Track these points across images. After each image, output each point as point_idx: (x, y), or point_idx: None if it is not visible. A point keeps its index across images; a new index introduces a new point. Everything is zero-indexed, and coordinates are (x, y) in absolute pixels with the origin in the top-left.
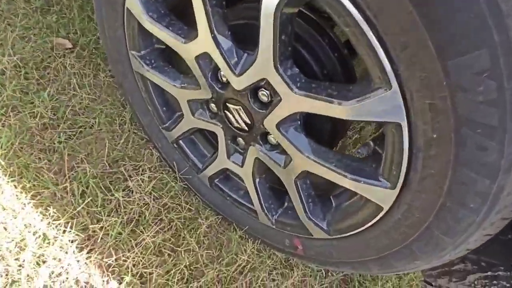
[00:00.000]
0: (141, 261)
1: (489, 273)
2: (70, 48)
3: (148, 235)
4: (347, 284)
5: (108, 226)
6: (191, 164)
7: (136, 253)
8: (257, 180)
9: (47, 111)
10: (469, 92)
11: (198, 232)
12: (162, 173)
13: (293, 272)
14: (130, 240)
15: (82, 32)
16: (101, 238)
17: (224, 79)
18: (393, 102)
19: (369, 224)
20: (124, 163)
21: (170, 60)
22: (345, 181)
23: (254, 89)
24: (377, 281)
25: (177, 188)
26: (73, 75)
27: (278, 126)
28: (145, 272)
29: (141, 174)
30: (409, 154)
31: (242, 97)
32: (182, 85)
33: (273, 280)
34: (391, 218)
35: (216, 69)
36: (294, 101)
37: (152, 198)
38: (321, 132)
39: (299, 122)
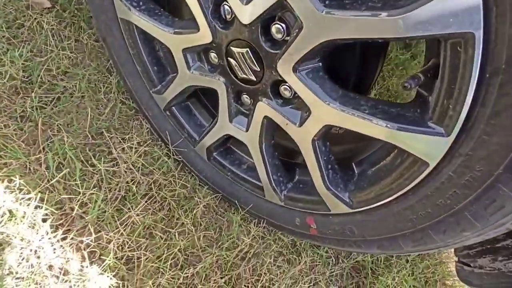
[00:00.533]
0: (128, 243)
1: None
2: (48, 8)
3: (136, 214)
4: (359, 272)
5: (88, 201)
6: (186, 136)
7: (122, 234)
8: (265, 147)
9: (18, 72)
10: None
11: (194, 213)
12: (153, 147)
13: (301, 258)
14: (115, 219)
15: None
16: (80, 216)
17: (228, 16)
18: (469, 2)
19: (406, 189)
20: (109, 134)
21: (162, 2)
22: (381, 131)
23: (266, 22)
24: (392, 268)
25: (170, 164)
26: (51, 36)
27: (295, 68)
28: (131, 256)
29: (129, 148)
30: (479, 80)
31: (250, 35)
32: (176, 30)
33: (279, 267)
34: (439, 177)
35: (220, 2)
36: (321, 27)
37: (142, 173)
38: (348, 76)
39: (320, 64)
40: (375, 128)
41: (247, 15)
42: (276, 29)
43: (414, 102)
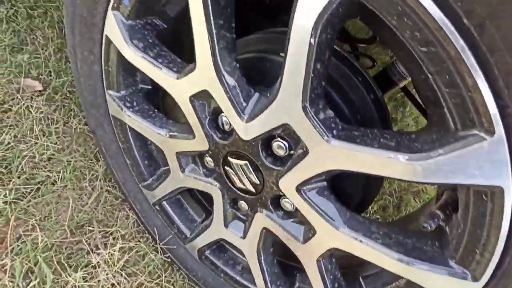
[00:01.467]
0: None
1: None
2: (40, 91)
3: None
4: None
5: None
6: (176, 232)
7: None
8: (263, 257)
9: None
10: None
11: None
12: (139, 241)
13: None
14: None
15: (56, 73)
16: None
17: (227, 127)
18: (495, 155)
19: None
20: (91, 228)
21: (157, 104)
22: (394, 265)
23: (267, 139)
24: None
25: (157, 262)
26: (38, 120)
27: (299, 188)
28: None
29: (112, 245)
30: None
31: (250, 150)
32: (171, 133)
33: None
34: None
35: (217, 113)
36: (327, 155)
37: (124, 276)
38: (351, 195)
39: (325, 183)
40: (388, 260)
41: (247, 132)
42: (278, 146)
43: (432, 233)
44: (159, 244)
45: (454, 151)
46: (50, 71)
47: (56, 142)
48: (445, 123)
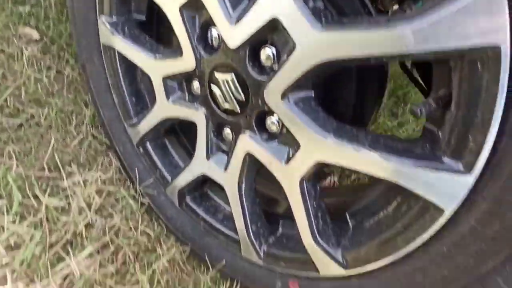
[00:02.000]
0: None
1: None
2: (36, 40)
3: (80, 264)
4: None
5: (22, 246)
6: (158, 176)
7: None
8: (245, 189)
9: None
10: None
11: (153, 268)
12: (118, 187)
13: None
14: (53, 267)
15: (55, 26)
16: (5, 265)
17: (215, 42)
18: (493, 7)
19: (415, 244)
20: (71, 170)
21: (149, 31)
22: (382, 169)
23: (254, 46)
24: None
25: (135, 208)
26: (30, 64)
27: (284, 95)
28: None
29: (91, 184)
30: (508, 102)
31: (236, 58)
32: (159, 55)
33: None
34: (458, 228)
35: (206, 26)
36: (316, 46)
37: (99, 215)
38: (343, 109)
39: (312, 93)
40: (376, 165)
41: (235, 37)
42: (266, 55)
43: (422, 138)
44: (139, 187)
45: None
46: (49, 23)
47: (47, 86)
48: None
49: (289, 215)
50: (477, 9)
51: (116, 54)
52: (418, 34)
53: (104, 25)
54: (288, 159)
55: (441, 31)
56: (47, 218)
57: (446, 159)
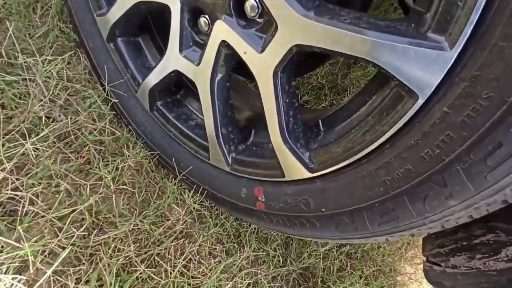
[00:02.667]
0: (18, 186)
1: None
2: None
3: (41, 157)
4: (307, 280)
5: None
6: (129, 77)
7: (11, 171)
8: (217, 85)
9: None
10: None
11: (119, 167)
12: (87, 88)
13: (243, 251)
14: (5, 150)
15: None
16: None
17: None
18: None
19: (384, 138)
20: (32, 61)
21: None
22: (363, 47)
23: None
24: (344, 279)
25: (104, 110)
26: None
27: None
28: (17, 206)
29: (55, 79)
30: None
31: None
32: None
33: (214, 256)
34: (430, 116)
35: None
36: None
37: (64, 111)
38: None
39: None
40: (356, 43)
41: None
42: None
43: (408, 17)
44: (107, 86)
45: None
46: None
47: None
48: None
49: (262, 125)
50: None
51: None
52: None
53: None
54: (264, 47)
55: None
56: (2, 105)
57: (430, 34)
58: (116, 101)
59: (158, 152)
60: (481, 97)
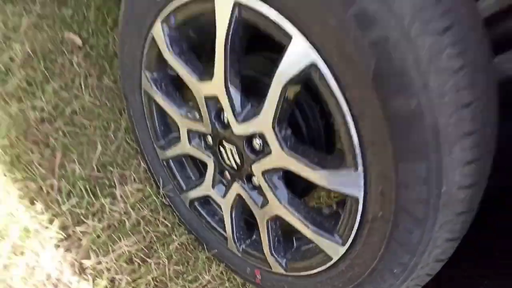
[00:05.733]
0: (114, 266)
1: None
2: (79, 46)
3: (124, 244)
4: None
5: (88, 229)
6: (176, 184)
7: (111, 259)
8: (234, 213)
9: (48, 105)
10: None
11: (170, 248)
12: (146, 185)
13: None
14: (107, 245)
15: (94, 32)
16: (79, 239)
17: (226, 121)
18: (357, 182)
19: (319, 269)
20: (112, 169)
21: (179, 87)
22: (307, 231)
23: (250, 136)
24: None
25: (158, 203)
26: (78, 74)
27: (264, 173)
28: (115, 278)
29: (127, 184)
30: (360, 222)
31: (238, 140)
32: (187, 114)
33: None
34: (337, 268)
35: (221, 110)
36: (282, 158)
37: (134, 208)
38: (298, 184)
39: (281, 173)
40: (305, 228)
41: (238, 129)
42: (256, 143)
43: (333, 215)
44: (162, 190)
45: (341, 173)
46: (89, 29)
47: (91, 95)
48: (341, 156)
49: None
50: (351, 179)
51: (152, 102)
52: (326, 178)
53: (146, 77)
54: (262, 206)
55: (336, 181)
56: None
57: (336, 235)
58: (167, 200)
59: (194, 234)
60: (355, 270)
